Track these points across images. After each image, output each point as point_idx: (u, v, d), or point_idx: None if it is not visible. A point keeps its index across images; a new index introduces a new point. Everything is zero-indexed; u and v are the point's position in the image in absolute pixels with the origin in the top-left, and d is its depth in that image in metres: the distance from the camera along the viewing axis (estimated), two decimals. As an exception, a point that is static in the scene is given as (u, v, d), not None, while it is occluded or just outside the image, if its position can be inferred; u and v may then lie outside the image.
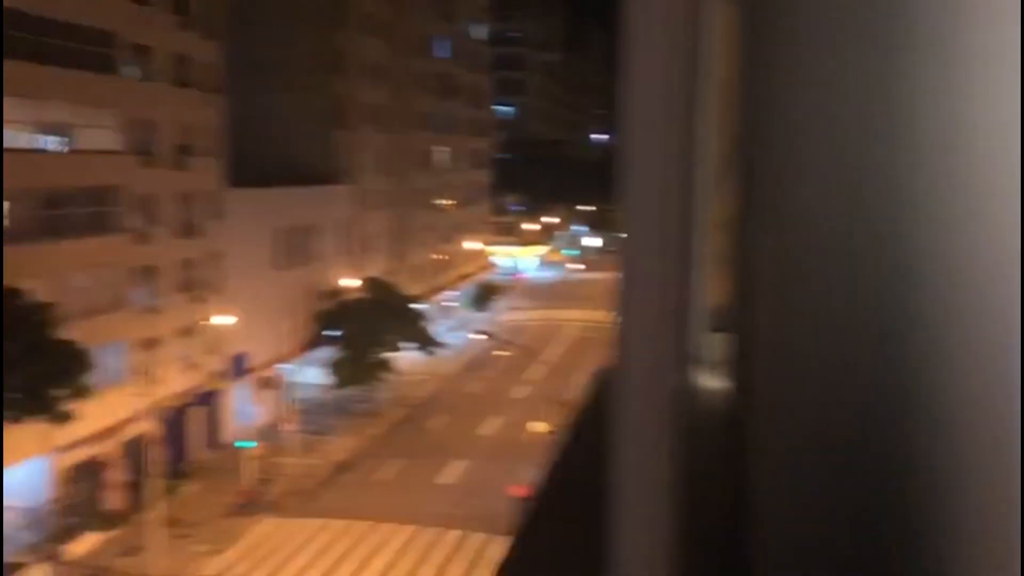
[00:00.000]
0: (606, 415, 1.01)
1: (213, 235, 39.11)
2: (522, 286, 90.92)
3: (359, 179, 56.02)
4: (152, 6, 34.72)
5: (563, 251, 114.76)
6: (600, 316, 77.47)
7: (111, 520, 31.27)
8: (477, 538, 32.12)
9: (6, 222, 27.76)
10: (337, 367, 45.12)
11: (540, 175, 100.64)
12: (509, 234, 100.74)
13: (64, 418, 24.50)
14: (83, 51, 30.29)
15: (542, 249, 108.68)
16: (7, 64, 27.07)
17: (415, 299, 54.39)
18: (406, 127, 63.38)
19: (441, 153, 71.23)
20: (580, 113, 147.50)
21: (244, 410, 40.80)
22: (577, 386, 51.45)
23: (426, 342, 49.42)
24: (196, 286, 38.07)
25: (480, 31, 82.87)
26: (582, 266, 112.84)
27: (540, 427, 37.84)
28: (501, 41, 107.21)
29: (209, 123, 39.20)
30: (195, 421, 38.15)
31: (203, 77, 38.58)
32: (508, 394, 51.17)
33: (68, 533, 29.55)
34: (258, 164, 47.04)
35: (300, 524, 32.88)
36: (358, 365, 45.20)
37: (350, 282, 49.96)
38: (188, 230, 37.46)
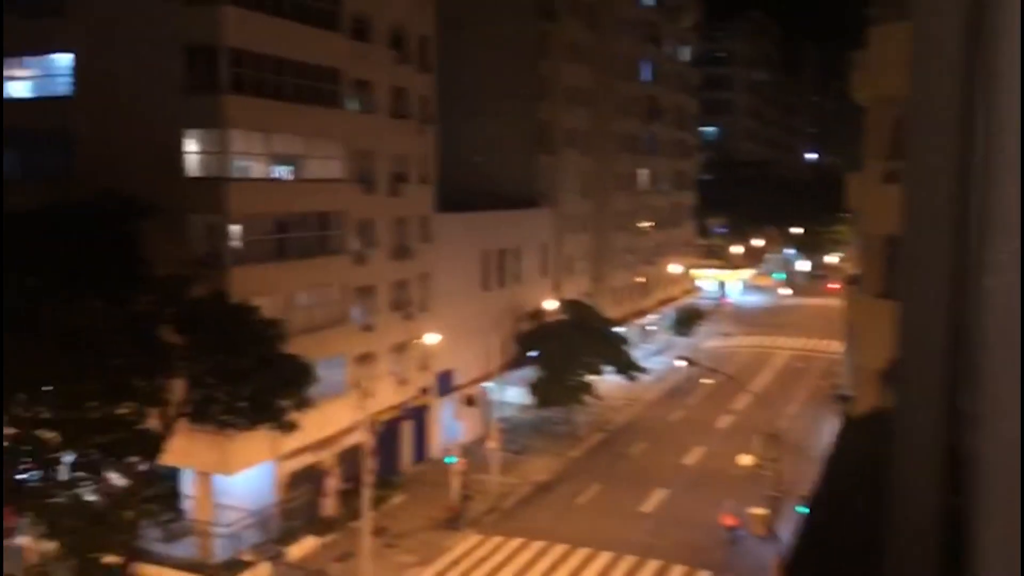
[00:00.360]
0: (876, 442, 0.85)
1: (423, 257, 40.84)
2: (728, 311, 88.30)
3: (561, 202, 56.67)
4: (372, 44, 36.88)
5: (771, 275, 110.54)
6: (812, 344, 73.78)
7: (327, 525, 33.14)
8: (678, 570, 31.25)
9: (240, 244, 30.30)
10: (538, 387, 45.66)
11: (747, 196, 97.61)
12: (714, 257, 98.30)
13: (288, 427, 26.19)
14: (311, 87, 32.62)
15: (748, 272, 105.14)
16: (248, 101, 29.62)
17: (616, 322, 54.12)
18: (609, 149, 63.48)
19: (644, 175, 70.72)
20: (789, 133, 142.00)
21: (449, 426, 42.16)
22: (787, 417, 49.29)
23: (627, 366, 48.98)
24: (407, 305, 39.85)
25: (686, 52, 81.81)
26: (790, 291, 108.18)
27: (746, 459, 36.33)
28: (708, 61, 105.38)
29: (423, 151, 41.09)
30: (404, 435, 39.85)
31: (418, 108, 40.51)
32: (712, 423, 49.66)
33: (289, 535, 31.61)
34: (465, 188, 48.75)
35: (501, 542, 33.36)
36: (558, 386, 45.52)
37: (551, 304, 50.50)
38: (401, 252, 39.33)
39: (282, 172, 32.42)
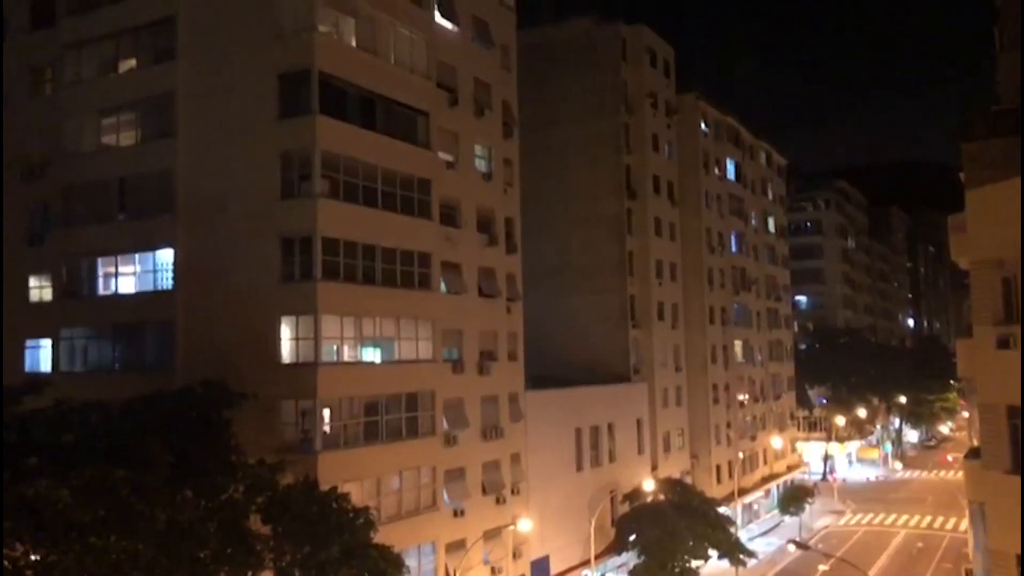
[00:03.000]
0: None
1: (514, 436, 39.96)
2: (836, 486, 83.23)
3: (654, 376, 55.54)
4: (461, 228, 37.90)
5: (878, 447, 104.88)
6: (931, 522, 68.32)
7: None
8: None
9: (329, 428, 30.16)
10: (639, 575, 42.97)
11: (847, 365, 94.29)
12: (818, 429, 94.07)
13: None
14: (402, 271, 33.35)
15: (855, 445, 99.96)
16: (340, 287, 30.35)
17: (718, 501, 51.36)
18: (700, 322, 62.68)
19: (738, 346, 69.24)
20: (885, 299, 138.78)
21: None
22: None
23: (732, 549, 45.91)
24: (499, 488, 38.64)
25: (773, 223, 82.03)
26: (900, 463, 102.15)
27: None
28: (796, 231, 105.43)
29: (511, 329, 41.15)
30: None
31: (505, 287, 40.95)
32: (830, 612, 45.51)
33: None
34: (555, 364, 48.31)
35: None
36: (661, 573, 42.72)
37: (649, 483, 48.39)
38: (491, 432, 38.60)
39: (372, 354, 32.65)
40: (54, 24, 36.19)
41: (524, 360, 41.90)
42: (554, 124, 54.94)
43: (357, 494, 27.96)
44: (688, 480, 55.17)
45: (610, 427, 48.82)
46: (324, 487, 26.57)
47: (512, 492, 39.37)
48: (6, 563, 19.69)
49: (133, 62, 34.43)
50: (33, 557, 20.19)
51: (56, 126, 35.37)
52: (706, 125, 66.66)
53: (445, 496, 35.01)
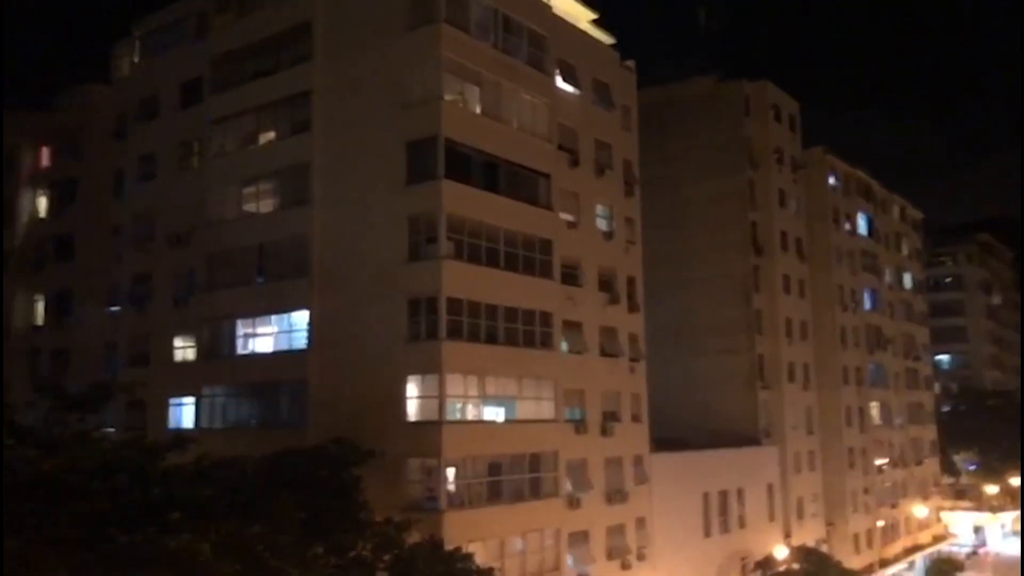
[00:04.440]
0: None
1: (638, 500, 39.07)
2: (989, 560, 77.18)
3: (785, 439, 53.41)
4: (582, 287, 37.92)
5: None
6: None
7: None
8: None
9: (453, 487, 30.28)
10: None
11: (997, 429, 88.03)
12: (965, 498, 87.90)
13: None
14: (524, 331, 33.56)
15: (1009, 516, 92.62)
16: (464, 347, 30.79)
17: (857, 572, 48.51)
18: (833, 382, 60.10)
19: (875, 408, 65.92)
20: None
21: None
22: None
23: (875, 626, 43.09)
24: (624, 553, 37.73)
25: (909, 279, 78.46)
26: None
27: None
28: (935, 287, 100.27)
29: (635, 389, 40.56)
30: None
31: (627, 346, 40.53)
32: None
33: None
34: (680, 426, 47.17)
35: None
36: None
37: (782, 551, 46.20)
38: (615, 495, 37.88)
39: (495, 413, 32.78)
40: (201, 102, 38.86)
41: (648, 422, 41.13)
42: (677, 182, 54.59)
43: (481, 555, 27.86)
44: (824, 549, 52.34)
45: (739, 492, 47.09)
46: (449, 546, 26.63)
47: (638, 558, 38.35)
48: None
49: (272, 134, 36.49)
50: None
51: (201, 196, 37.72)
52: (835, 179, 64.82)
53: (569, 560, 34.44)
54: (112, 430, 30.43)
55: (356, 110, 33.90)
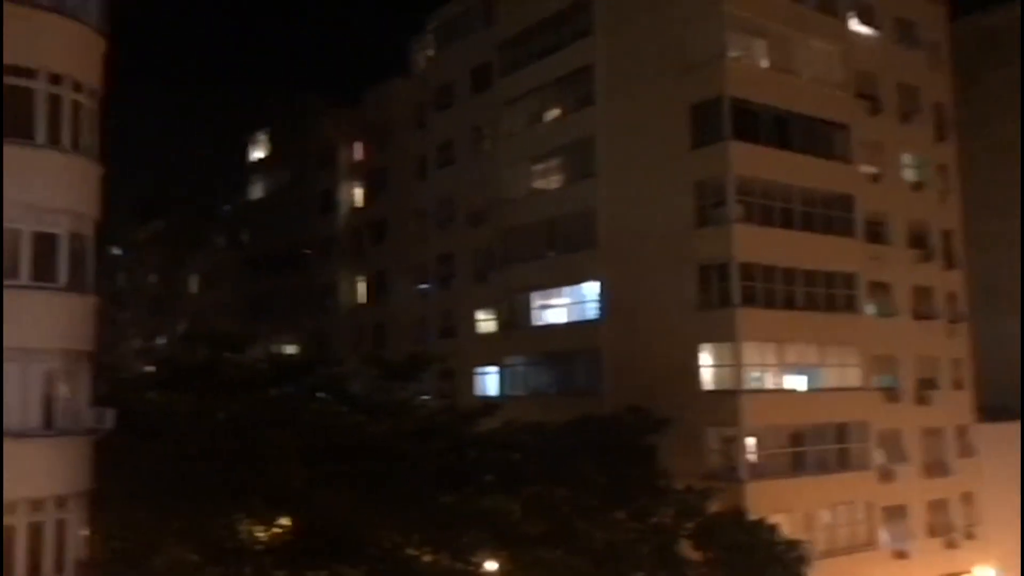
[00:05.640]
0: None
1: (964, 474, 35.62)
2: None
3: None
4: (889, 245, 35.08)
5: None
6: None
7: None
8: None
9: (754, 458, 29.48)
10: None
11: None
12: None
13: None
14: (824, 294, 31.77)
15: None
16: (759, 313, 29.79)
17: None
18: None
19: None
20: None
21: None
22: None
23: None
24: (948, 531, 34.67)
25: None
26: None
27: None
28: None
29: (955, 354, 36.91)
30: None
31: (945, 307, 36.94)
32: None
33: None
34: (1016, 394, 42.14)
35: None
36: None
37: None
38: (935, 468, 34.85)
39: (796, 382, 31.39)
40: (491, 87, 40.71)
41: (974, 389, 37.25)
42: (999, 122, 48.50)
43: (786, 527, 26.89)
44: None
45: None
46: (752, 517, 26.01)
47: (966, 536, 35.03)
48: (471, 569, 22.03)
49: (557, 111, 37.39)
50: (490, 565, 22.42)
51: (495, 177, 39.59)
52: None
53: (884, 535, 32.28)
54: (427, 398, 33.08)
55: (638, 79, 33.74)
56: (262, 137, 61.35)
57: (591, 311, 35.02)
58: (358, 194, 51.95)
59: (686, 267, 31.08)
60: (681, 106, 31.71)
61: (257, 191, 61.31)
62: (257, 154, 61.77)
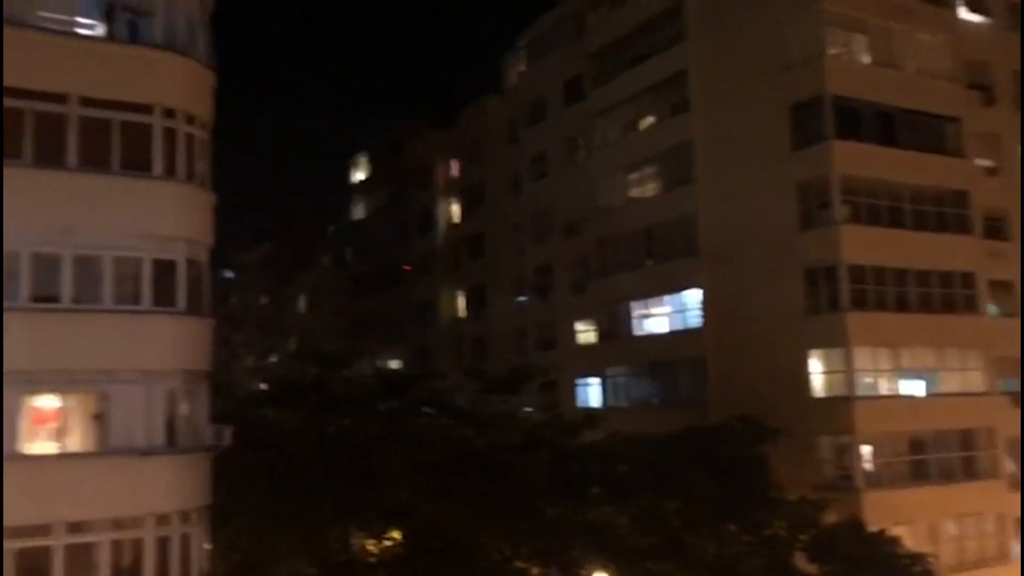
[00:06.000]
0: None
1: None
2: None
3: None
4: (1012, 241, 33.39)
5: None
6: None
7: None
8: None
9: (871, 466, 28.40)
10: None
11: None
12: None
13: None
14: (940, 295, 30.48)
15: None
16: (870, 317, 28.78)
17: None
18: None
19: None
20: None
21: None
22: None
23: None
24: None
25: None
26: None
27: None
28: None
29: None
30: None
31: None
32: None
33: None
34: None
35: None
36: None
37: None
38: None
39: (913, 387, 30.13)
40: (583, 98, 40.71)
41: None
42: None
43: (908, 539, 25.76)
44: None
45: None
46: (870, 528, 25.03)
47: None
48: None
49: (651, 119, 37.07)
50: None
51: (589, 187, 39.49)
52: None
53: (1016, 548, 30.57)
54: (530, 410, 33.14)
55: (733, 81, 33.17)
56: (362, 160, 63.03)
57: (693, 319, 34.47)
58: (455, 210, 52.70)
59: (791, 271, 30.29)
60: (780, 107, 31.02)
61: (359, 212, 62.93)
62: (358, 176, 63.46)
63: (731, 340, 32.45)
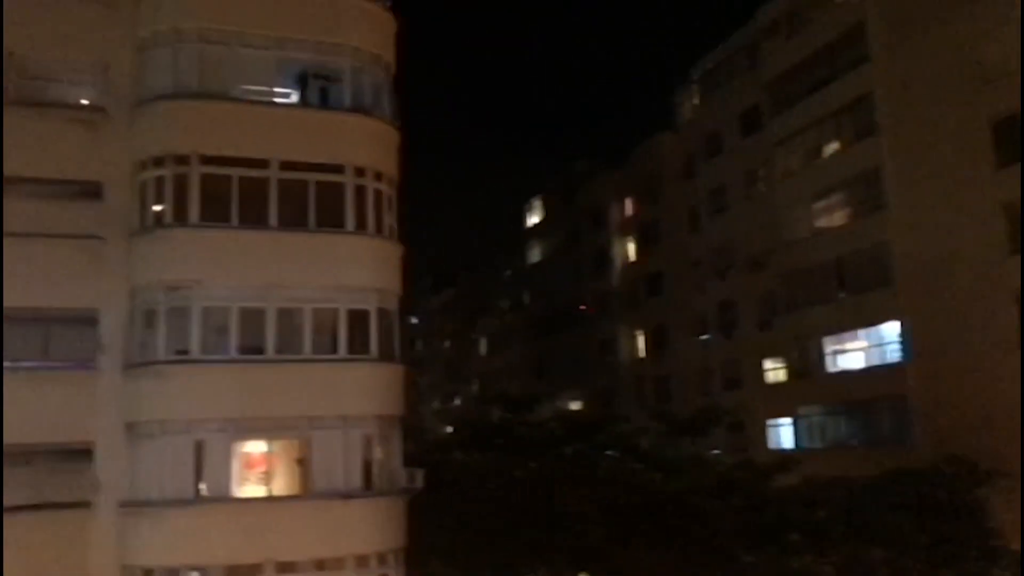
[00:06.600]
0: None
1: None
2: None
3: None
4: None
5: None
6: None
7: None
8: None
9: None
10: None
11: None
12: None
13: None
14: None
15: None
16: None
17: None
18: None
19: None
20: None
21: None
22: None
23: None
24: None
25: None
26: None
27: None
28: None
29: None
30: None
31: None
32: None
33: None
34: None
35: None
36: None
37: None
38: None
39: None
40: (761, 129, 39.61)
41: None
42: None
43: None
44: None
45: None
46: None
47: None
48: None
49: (835, 145, 35.48)
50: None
51: (772, 219, 38.18)
52: None
53: None
54: (718, 452, 32.05)
55: (924, 101, 31.26)
56: (536, 203, 64.09)
57: (893, 354, 32.31)
58: (631, 249, 52.40)
59: (1002, 298, 27.90)
60: (980, 124, 28.92)
61: (535, 255, 63.87)
62: (533, 219, 64.52)
63: (937, 374, 30.17)
